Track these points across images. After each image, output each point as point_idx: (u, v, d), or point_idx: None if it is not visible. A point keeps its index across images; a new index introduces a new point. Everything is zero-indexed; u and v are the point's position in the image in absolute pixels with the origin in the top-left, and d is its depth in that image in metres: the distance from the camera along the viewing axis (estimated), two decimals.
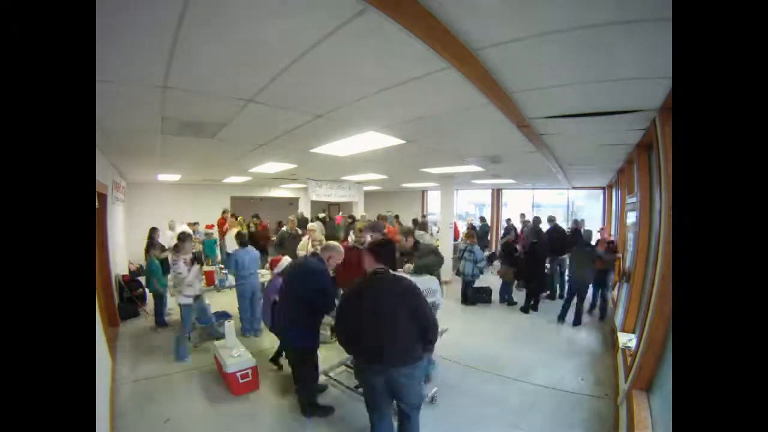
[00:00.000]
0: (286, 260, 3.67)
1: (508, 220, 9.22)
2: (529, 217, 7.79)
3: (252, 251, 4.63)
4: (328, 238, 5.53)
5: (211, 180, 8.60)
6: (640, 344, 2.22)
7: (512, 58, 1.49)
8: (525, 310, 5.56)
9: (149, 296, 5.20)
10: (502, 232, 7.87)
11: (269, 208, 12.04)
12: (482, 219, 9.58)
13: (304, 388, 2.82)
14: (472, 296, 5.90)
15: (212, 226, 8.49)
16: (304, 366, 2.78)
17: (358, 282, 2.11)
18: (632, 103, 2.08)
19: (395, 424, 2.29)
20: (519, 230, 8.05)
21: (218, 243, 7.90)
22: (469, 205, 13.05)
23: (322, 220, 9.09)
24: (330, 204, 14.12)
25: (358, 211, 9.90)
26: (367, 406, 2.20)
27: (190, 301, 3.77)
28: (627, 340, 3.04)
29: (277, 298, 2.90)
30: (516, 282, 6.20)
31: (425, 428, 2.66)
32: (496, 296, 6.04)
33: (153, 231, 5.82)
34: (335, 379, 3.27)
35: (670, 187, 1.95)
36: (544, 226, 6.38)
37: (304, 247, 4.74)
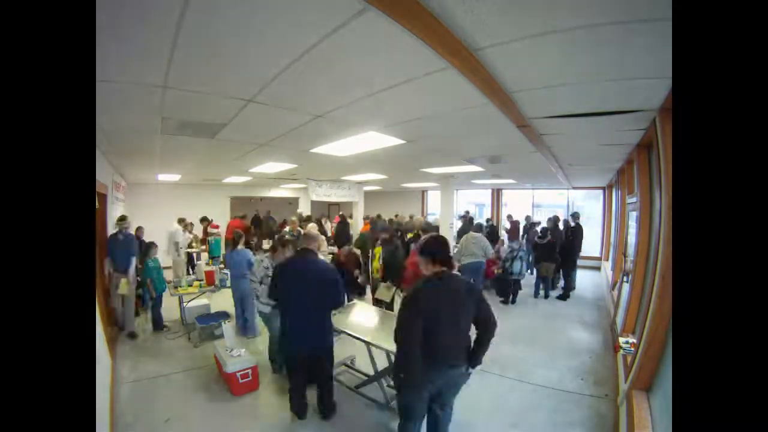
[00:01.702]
0: None
1: (509, 216, 9.33)
2: (517, 218, 8.70)
3: (242, 252, 4.52)
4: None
5: (211, 180, 8.59)
6: (640, 344, 2.22)
7: (512, 58, 1.49)
8: (562, 297, 6.22)
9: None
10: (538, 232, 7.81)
11: (269, 208, 12.04)
12: (464, 217, 9.68)
13: (331, 388, 2.82)
14: (514, 294, 6.12)
15: (218, 225, 8.46)
16: (332, 365, 2.82)
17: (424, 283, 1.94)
18: (632, 103, 2.08)
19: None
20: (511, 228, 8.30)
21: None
22: (470, 205, 13.04)
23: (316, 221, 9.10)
24: (330, 204, 14.14)
25: (359, 211, 9.90)
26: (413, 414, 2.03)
27: (268, 309, 3.36)
28: (627, 340, 3.05)
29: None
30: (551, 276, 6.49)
31: (426, 428, 2.67)
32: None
33: (138, 230, 5.87)
34: (337, 379, 3.27)
35: (670, 187, 1.95)
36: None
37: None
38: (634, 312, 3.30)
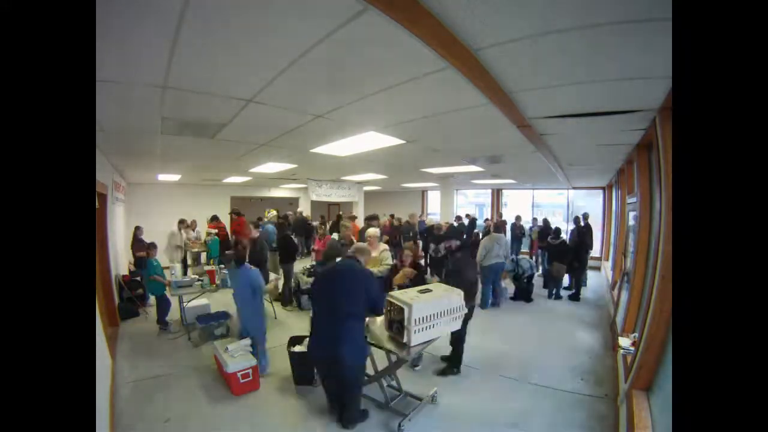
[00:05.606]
0: None
1: (500, 215, 9.39)
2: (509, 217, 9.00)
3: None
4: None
5: (211, 180, 8.59)
6: (640, 344, 2.22)
7: (512, 58, 1.49)
8: (573, 297, 6.21)
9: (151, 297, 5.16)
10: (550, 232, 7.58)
11: (269, 209, 12.03)
12: (458, 218, 9.36)
13: (351, 400, 2.65)
14: (528, 292, 6.16)
15: (213, 226, 8.42)
16: (354, 376, 2.56)
17: None
18: (632, 103, 2.08)
19: None
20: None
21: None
22: (470, 205, 13.05)
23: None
24: (330, 204, 14.15)
25: (359, 211, 9.92)
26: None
27: None
28: (626, 341, 3.05)
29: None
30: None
31: (426, 428, 2.67)
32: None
33: (137, 229, 5.88)
34: None
35: (670, 187, 1.95)
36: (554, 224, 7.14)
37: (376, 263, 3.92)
38: (634, 312, 3.30)
